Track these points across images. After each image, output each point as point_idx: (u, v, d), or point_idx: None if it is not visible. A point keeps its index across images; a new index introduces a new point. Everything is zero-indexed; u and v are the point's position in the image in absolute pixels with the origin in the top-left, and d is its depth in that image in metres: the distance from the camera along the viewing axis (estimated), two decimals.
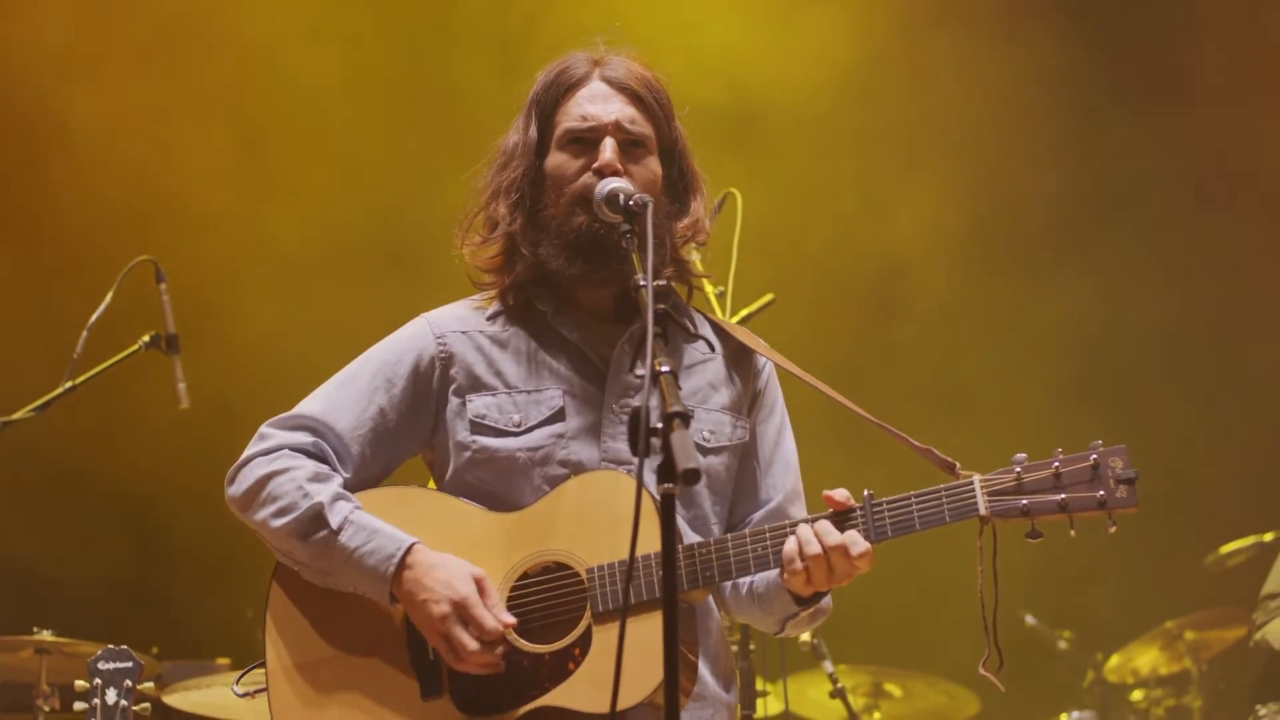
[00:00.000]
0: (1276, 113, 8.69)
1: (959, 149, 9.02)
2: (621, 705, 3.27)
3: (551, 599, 3.46)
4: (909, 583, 7.64)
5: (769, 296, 6.17)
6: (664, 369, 2.97)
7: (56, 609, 7.16)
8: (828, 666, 6.50)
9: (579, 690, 3.36)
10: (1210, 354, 8.79)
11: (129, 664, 4.66)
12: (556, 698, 3.37)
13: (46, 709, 6.06)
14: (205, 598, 8.43)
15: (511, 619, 3.42)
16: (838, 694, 6.47)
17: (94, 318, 5.87)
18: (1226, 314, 8.78)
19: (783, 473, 3.75)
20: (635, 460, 3.49)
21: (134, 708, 4.64)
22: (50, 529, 8.32)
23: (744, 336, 3.77)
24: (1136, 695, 8.09)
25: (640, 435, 2.84)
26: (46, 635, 6.07)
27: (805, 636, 6.50)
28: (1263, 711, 6.43)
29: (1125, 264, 8.87)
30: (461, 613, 3.40)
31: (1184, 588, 8.13)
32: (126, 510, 8.51)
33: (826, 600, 3.52)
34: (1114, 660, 7.99)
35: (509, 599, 3.47)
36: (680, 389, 2.97)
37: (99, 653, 4.64)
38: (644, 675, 3.27)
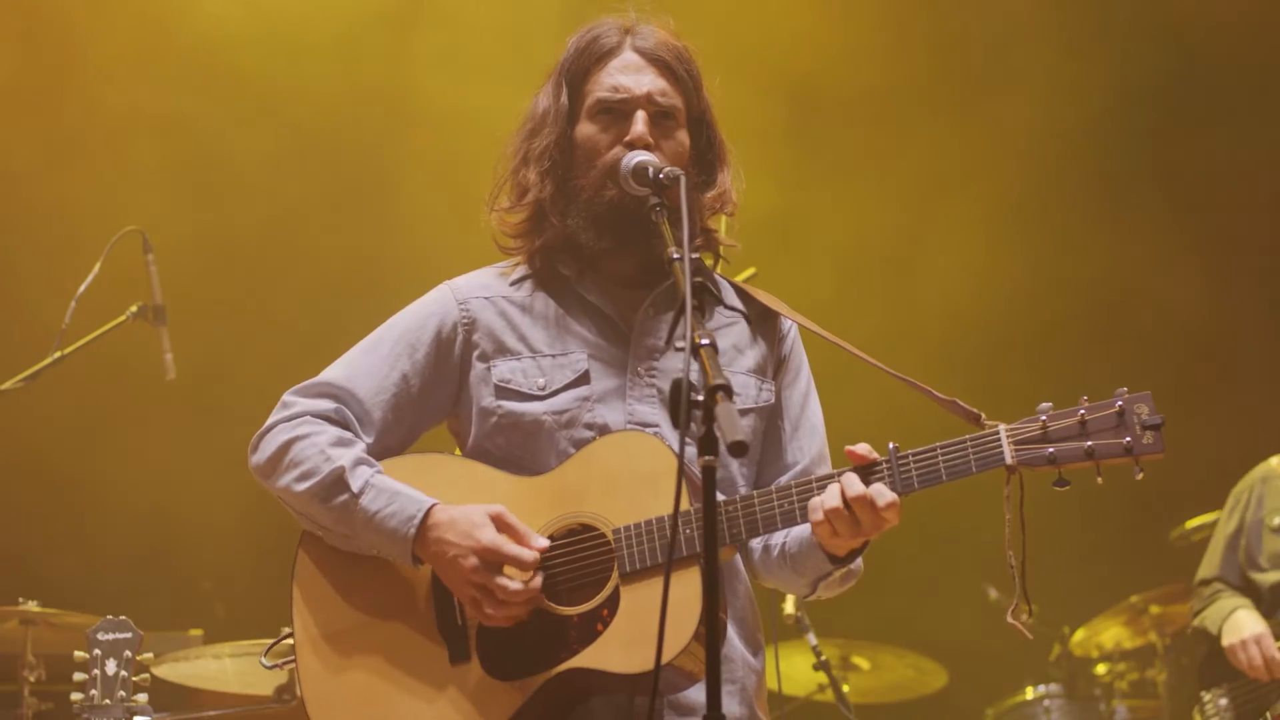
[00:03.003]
0: None
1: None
2: (650, 665, 3.26)
3: (578, 561, 3.47)
4: (878, 554, 7.70)
5: (751, 270, 6.21)
6: (704, 342, 2.99)
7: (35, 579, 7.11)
8: (811, 639, 6.55)
9: (608, 651, 3.37)
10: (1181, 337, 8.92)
11: (128, 634, 4.65)
12: (586, 659, 3.38)
13: (32, 679, 6.04)
14: (157, 568, 8.42)
15: (545, 541, 3.43)
16: (821, 666, 6.53)
17: (82, 288, 5.86)
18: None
19: (809, 436, 3.78)
20: (659, 424, 3.58)
21: (134, 678, 4.64)
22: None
23: (767, 300, 3.79)
24: (1101, 669, 8.18)
25: (682, 409, 2.87)
26: (32, 606, 6.03)
27: (790, 609, 6.55)
28: (1207, 697, 6.55)
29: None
30: (491, 557, 3.40)
31: (1149, 563, 8.23)
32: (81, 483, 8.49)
33: (858, 562, 3.55)
34: (1079, 634, 8.09)
35: None
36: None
37: (98, 623, 4.63)
38: (675, 633, 3.27)
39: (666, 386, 3.60)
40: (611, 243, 3.62)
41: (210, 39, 8.41)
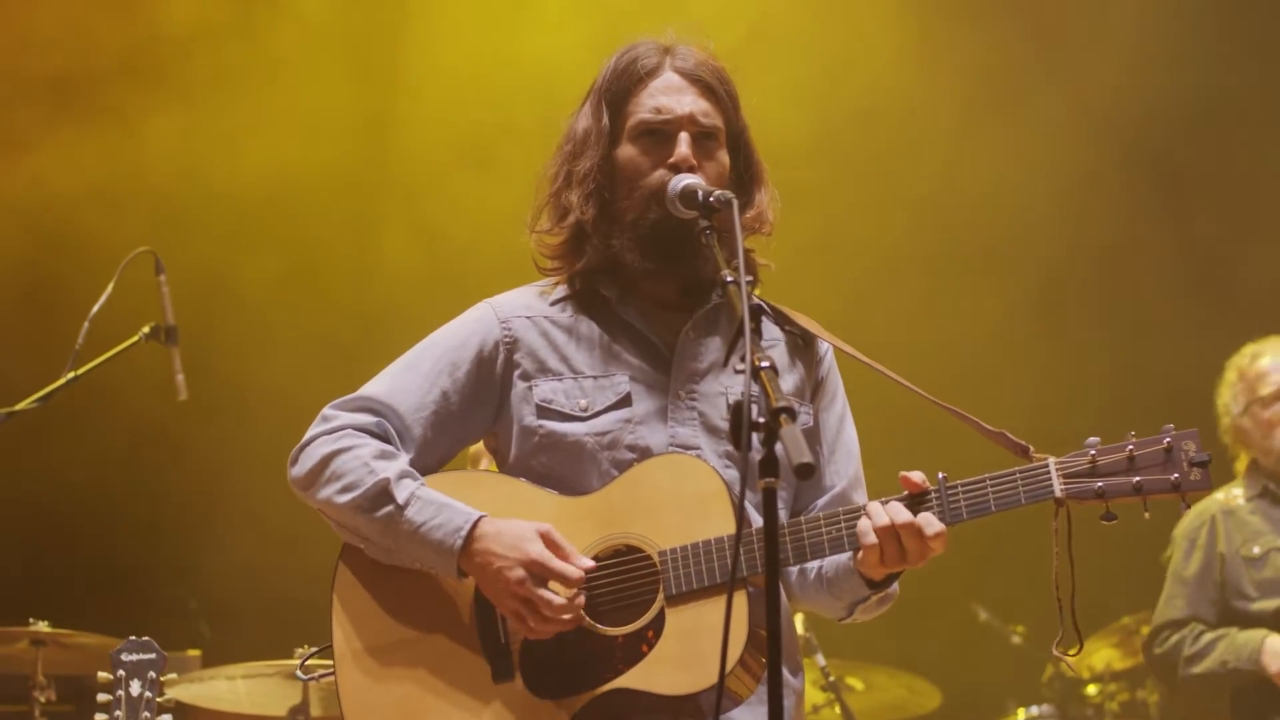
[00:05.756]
0: None
1: None
2: (695, 688, 3.36)
3: (623, 582, 3.50)
4: None
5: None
6: (764, 364, 3.00)
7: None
8: (820, 659, 6.60)
9: (654, 672, 3.40)
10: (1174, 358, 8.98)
11: (152, 655, 4.65)
12: (631, 680, 3.41)
13: (42, 700, 6.04)
14: (141, 587, 8.41)
15: (590, 562, 3.45)
16: (830, 687, 6.58)
17: (95, 309, 5.86)
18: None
19: (845, 459, 3.81)
20: (700, 446, 3.61)
21: (158, 699, 4.65)
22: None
23: (804, 322, 3.81)
24: (1092, 689, 8.24)
25: (743, 431, 2.88)
26: (42, 626, 6.05)
27: (800, 630, 6.60)
28: None
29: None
30: (537, 570, 3.41)
31: (1140, 584, 8.28)
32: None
33: (894, 585, 3.58)
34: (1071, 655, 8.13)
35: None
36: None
37: (121, 644, 4.64)
38: (718, 657, 3.26)
39: (708, 409, 3.64)
40: (656, 264, 3.64)
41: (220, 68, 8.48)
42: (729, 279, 3.26)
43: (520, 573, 3.41)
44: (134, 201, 8.45)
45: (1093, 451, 3.38)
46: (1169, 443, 3.36)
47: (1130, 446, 3.37)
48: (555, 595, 3.40)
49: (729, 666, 3.32)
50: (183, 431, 8.31)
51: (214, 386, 8.03)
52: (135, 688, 4.60)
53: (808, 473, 2.82)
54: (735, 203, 3.40)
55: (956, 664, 8.46)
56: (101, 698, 4.59)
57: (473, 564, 3.47)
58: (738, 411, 2.90)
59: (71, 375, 5.78)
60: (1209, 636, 6.59)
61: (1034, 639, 8.53)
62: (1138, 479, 3.34)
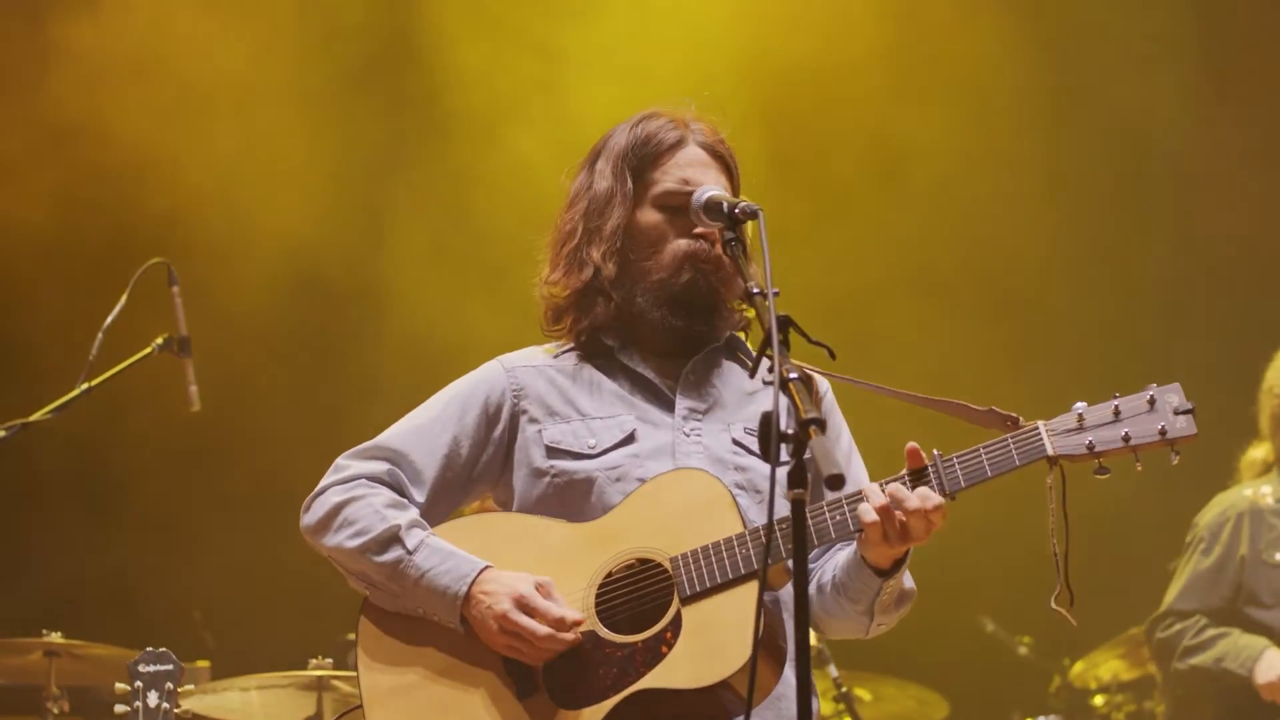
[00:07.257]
0: None
1: None
2: (714, 678, 3.39)
3: (638, 592, 3.55)
4: None
5: None
6: (793, 375, 3.05)
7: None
8: (832, 670, 6.61)
9: (673, 669, 3.44)
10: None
11: (169, 666, 4.68)
12: (652, 680, 3.45)
13: (56, 711, 6.06)
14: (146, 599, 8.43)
15: (577, 614, 3.51)
16: (842, 698, 6.60)
17: (109, 320, 5.88)
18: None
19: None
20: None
21: (175, 710, 4.66)
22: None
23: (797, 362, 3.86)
24: (1099, 700, 8.26)
25: (772, 440, 2.92)
26: (56, 637, 6.07)
27: (811, 640, 6.59)
28: None
29: None
30: (522, 605, 3.50)
31: (1148, 594, 8.29)
32: None
33: (910, 582, 3.68)
34: (1078, 666, 8.16)
35: (596, 599, 3.56)
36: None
37: (139, 655, 4.66)
38: (735, 648, 3.38)
39: (713, 444, 3.73)
40: (684, 321, 3.75)
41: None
42: (754, 290, 3.34)
43: (507, 605, 3.50)
44: None
45: (1079, 411, 3.46)
46: (1152, 396, 3.42)
47: (1115, 403, 3.45)
48: (541, 626, 3.48)
49: (747, 657, 3.34)
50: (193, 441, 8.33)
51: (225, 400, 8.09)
52: (153, 699, 4.63)
53: (838, 484, 2.86)
54: (761, 214, 3.47)
55: (964, 675, 8.49)
56: (119, 709, 4.61)
57: (470, 609, 3.55)
58: (766, 422, 2.94)
59: (85, 386, 5.80)
60: (1211, 632, 6.62)
61: (1041, 650, 8.56)
62: (1125, 430, 3.40)
